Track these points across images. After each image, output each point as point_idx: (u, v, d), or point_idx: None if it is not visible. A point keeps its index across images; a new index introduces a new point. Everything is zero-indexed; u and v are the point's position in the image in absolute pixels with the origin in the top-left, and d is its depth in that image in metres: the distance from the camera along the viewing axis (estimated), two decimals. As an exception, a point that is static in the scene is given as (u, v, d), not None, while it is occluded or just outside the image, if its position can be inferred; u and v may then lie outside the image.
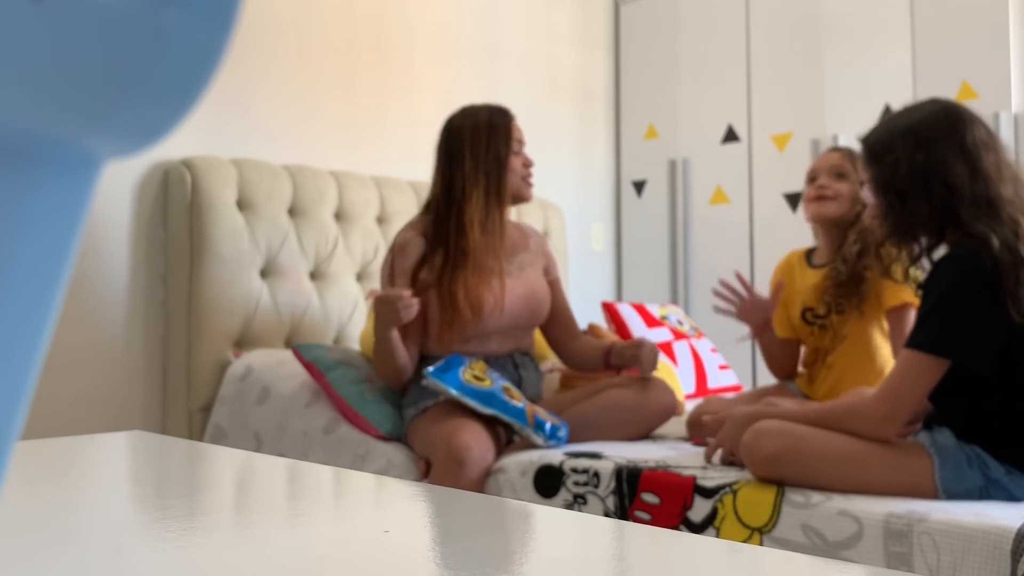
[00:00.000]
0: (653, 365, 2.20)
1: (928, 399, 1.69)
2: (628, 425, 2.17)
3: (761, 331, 2.34)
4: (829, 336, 2.26)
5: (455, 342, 2.17)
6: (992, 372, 1.58)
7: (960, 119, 1.66)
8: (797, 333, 2.38)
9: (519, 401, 2.04)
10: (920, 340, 1.58)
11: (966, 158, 1.63)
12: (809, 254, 2.41)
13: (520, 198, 2.27)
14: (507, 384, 2.09)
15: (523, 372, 2.25)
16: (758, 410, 1.81)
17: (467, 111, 2.27)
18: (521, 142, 2.26)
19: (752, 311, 2.31)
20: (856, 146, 2.10)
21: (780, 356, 2.40)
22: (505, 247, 2.26)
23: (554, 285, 2.37)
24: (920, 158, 1.65)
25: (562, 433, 2.06)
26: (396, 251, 2.22)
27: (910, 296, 2.16)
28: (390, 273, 2.21)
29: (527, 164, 2.27)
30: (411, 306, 2.02)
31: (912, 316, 2.12)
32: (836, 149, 2.34)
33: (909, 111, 1.72)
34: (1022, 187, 1.65)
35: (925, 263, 1.71)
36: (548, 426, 2.03)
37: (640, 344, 2.22)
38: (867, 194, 1.78)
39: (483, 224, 2.17)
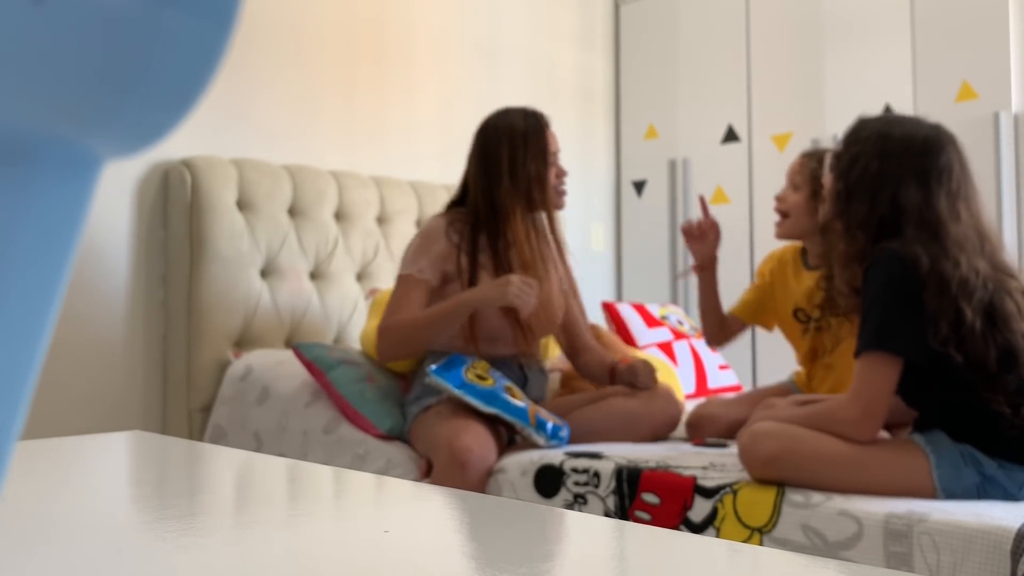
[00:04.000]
0: (652, 383, 2.23)
1: (910, 405, 1.71)
2: (632, 433, 2.17)
3: (701, 268, 2.36)
4: (829, 337, 2.26)
5: (495, 346, 2.19)
6: (965, 373, 1.59)
7: (935, 152, 1.66)
8: (784, 327, 2.38)
9: (521, 401, 2.04)
10: (861, 344, 1.63)
11: (922, 185, 1.65)
12: (804, 252, 2.40)
13: (553, 208, 2.28)
14: (509, 384, 2.09)
15: (528, 372, 2.24)
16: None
17: (503, 116, 2.25)
18: (555, 152, 2.26)
19: (702, 241, 2.34)
20: None
21: (715, 311, 2.39)
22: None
23: (569, 296, 2.37)
24: (875, 165, 1.68)
25: (564, 433, 2.06)
26: (423, 235, 2.22)
27: None
28: (414, 254, 2.20)
29: (560, 175, 2.26)
30: (529, 301, 2.03)
31: None
32: (804, 154, 2.33)
33: (904, 121, 1.73)
34: (982, 240, 1.65)
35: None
36: (550, 426, 2.03)
37: (635, 372, 2.23)
38: (826, 172, 1.80)
39: (528, 237, 2.20)
